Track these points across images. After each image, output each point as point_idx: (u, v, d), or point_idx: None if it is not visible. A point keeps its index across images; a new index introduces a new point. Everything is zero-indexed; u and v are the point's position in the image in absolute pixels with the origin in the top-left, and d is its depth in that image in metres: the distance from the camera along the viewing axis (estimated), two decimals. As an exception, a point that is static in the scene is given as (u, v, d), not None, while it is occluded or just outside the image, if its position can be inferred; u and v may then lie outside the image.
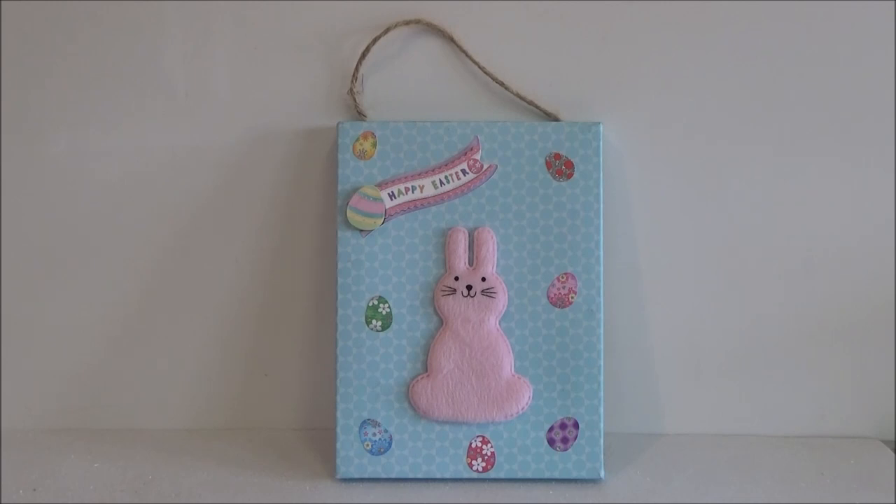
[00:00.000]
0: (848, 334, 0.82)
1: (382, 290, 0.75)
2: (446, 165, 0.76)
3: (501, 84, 0.78)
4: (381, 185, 0.75)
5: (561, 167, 0.76)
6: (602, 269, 0.75)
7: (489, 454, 0.75)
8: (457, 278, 0.75)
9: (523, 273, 0.75)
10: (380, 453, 0.75)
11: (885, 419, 0.83)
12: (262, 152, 0.80)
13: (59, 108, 0.80)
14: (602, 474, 0.74)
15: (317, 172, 0.81)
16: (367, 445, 0.75)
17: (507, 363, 0.75)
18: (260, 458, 0.78)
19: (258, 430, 0.83)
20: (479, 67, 0.78)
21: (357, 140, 0.76)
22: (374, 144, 0.76)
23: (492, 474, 0.75)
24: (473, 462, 0.75)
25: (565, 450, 0.75)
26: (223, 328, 0.83)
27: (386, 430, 0.75)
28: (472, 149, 0.76)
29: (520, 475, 0.74)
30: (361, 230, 0.75)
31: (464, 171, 0.76)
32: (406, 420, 0.75)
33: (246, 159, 0.81)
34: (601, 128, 0.76)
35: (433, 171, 0.76)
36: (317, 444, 0.81)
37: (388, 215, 0.75)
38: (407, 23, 0.78)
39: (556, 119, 0.78)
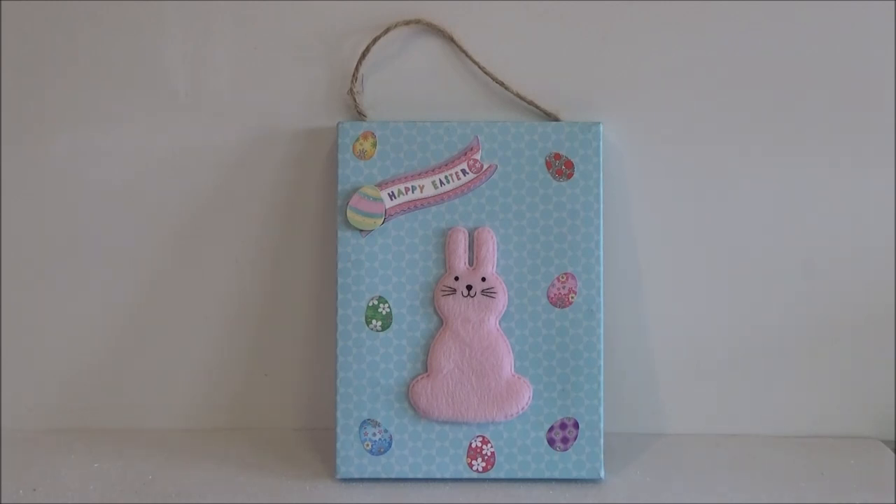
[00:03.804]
0: (848, 334, 0.82)
1: (382, 290, 0.75)
2: (446, 165, 0.76)
3: (501, 84, 0.78)
4: (381, 185, 0.75)
5: (561, 167, 0.76)
6: (602, 269, 0.75)
7: (489, 454, 0.75)
8: (457, 278, 0.75)
9: (523, 273, 0.75)
10: (380, 453, 0.75)
11: (885, 419, 0.83)
12: (262, 152, 0.80)
13: (59, 108, 0.80)
14: (602, 474, 0.74)
15: (317, 172, 0.81)
16: (367, 445, 0.75)
17: (507, 363, 0.75)
18: (260, 458, 0.78)
19: (258, 430, 0.83)
20: (479, 67, 0.78)
21: (357, 140, 0.76)
22: (374, 144, 0.76)
23: (492, 474, 0.75)
24: (473, 462, 0.75)
25: (565, 450, 0.75)
26: (223, 328, 0.83)
27: (386, 430, 0.75)
28: (472, 149, 0.76)
29: (520, 475, 0.74)
30: (361, 230, 0.75)
31: (464, 171, 0.76)
32: (406, 420, 0.75)
33: (246, 159, 0.81)
34: (601, 128, 0.76)
35: (433, 171, 0.76)
36: (317, 444, 0.81)
37: (388, 215, 0.75)
38: (407, 23, 0.78)
39: (556, 119, 0.78)
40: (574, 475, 0.74)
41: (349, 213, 0.75)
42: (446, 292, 0.75)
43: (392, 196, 0.75)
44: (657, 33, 0.79)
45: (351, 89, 0.78)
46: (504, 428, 0.75)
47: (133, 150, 0.81)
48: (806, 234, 0.81)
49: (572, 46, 0.79)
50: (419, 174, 0.76)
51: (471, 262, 0.75)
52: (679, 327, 0.82)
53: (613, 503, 0.72)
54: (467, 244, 0.75)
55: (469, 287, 0.75)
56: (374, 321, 0.75)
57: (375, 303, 0.75)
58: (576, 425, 0.75)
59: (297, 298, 0.82)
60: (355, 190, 0.75)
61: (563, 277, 0.75)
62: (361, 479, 0.75)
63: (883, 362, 0.82)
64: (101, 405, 0.84)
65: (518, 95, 0.78)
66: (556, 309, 0.75)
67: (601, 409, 0.75)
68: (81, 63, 0.80)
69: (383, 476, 0.75)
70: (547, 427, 0.75)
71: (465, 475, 0.75)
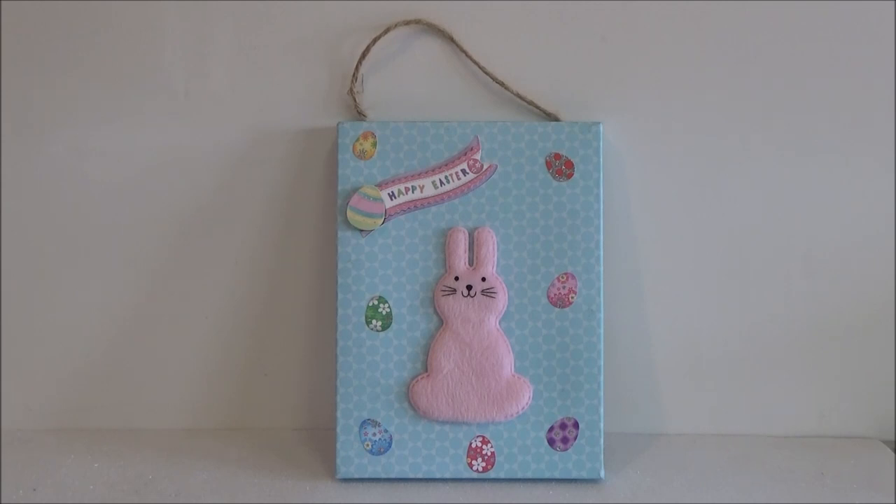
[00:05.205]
0: (848, 334, 0.82)
1: (382, 290, 0.75)
2: (446, 165, 0.76)
3: (501, 84, 0.78)
4: (381, 185, 0.75)
5: (561, 167, 0.76)
6: (602, 269, 0.75)
7: (489, 454, 0.75)
8: (457, 278, 0.75)
9: (523, 273, 0.75)
10: (380, 453, 0.75)
11: (885, 419, 0.83)
12: (262, 152, 0.80)
13: (58, 107, 0.80)
14: (602, 474, 0.74)
15: (317, 172, 0.81)
16: (367, 445, 0.75)
17: (507, 363, 0.75)
18: (260, 458, 0.78)
19: (258, 430, 0.83)
20: (479, 67, 0.78)
21: (357, 140, 0.76)
22: (374, 144, 0.76)
23: (492, 474, 0.75)
24: (473, 462, 0.75)
25: (565, 450, 0.75)
26: (223, 328, 0.83)
27: (386, 430, 0.75)
28: (472, 149, 0.76)
29: (520, 475, 0.74)
30: (361, 230, 0.75)
31: (464, 171, 0.76)
32: (406, 420, 0.75)
33: (246, 159, 0.81)
34: (601, 128, 0.76)
35: (433, 171, 0.76)
36: (317, 444, 0.81)
37: (388, 215, 0.75)
38: (407, 23, 0.78)
39: (556, 119, 0.78)
40: (574, 475, 0.74)
41: (349, 213, 0.75)
42: (446, 292, 0.75)
43: (392, 196, 0.75)
44: (657, 33, 0.79)
45: (351, 89, 0.78)
46: (504, 428, 0.75)
47: (133, 150, 0.81)
48: (806, 234, 0.81)
49: (572, 46, 0.79)
50: (419, 174, 0.76)
51: (471, 262, 0.75)
52: (679, 327, 0.82)
53: (613, 503, 0.72)
54: (467, 244, 0.75)
55: (469, 287, 0.75)
56: (374, 321, 0.75)
57: (375, 303, 0.75)
58: (576, 425, 0.75)
59: (297, 298, 0.82)
60: (355, 190, 0.75)
61: (563, 277, 0.75)
62: (361, 479, 0.75)
63: (883, 362, 0.82)
64: (101, 405, 0.84)
65: (518, 95, 0.78)
66: (556, 309, 0.75)
67: (601, 409, 0.75)
68: (81, 62, 0.80)
69: (383, 476, 0.75)
70: (547, 427, 0.75)
71: (465, 475, 0.75)
